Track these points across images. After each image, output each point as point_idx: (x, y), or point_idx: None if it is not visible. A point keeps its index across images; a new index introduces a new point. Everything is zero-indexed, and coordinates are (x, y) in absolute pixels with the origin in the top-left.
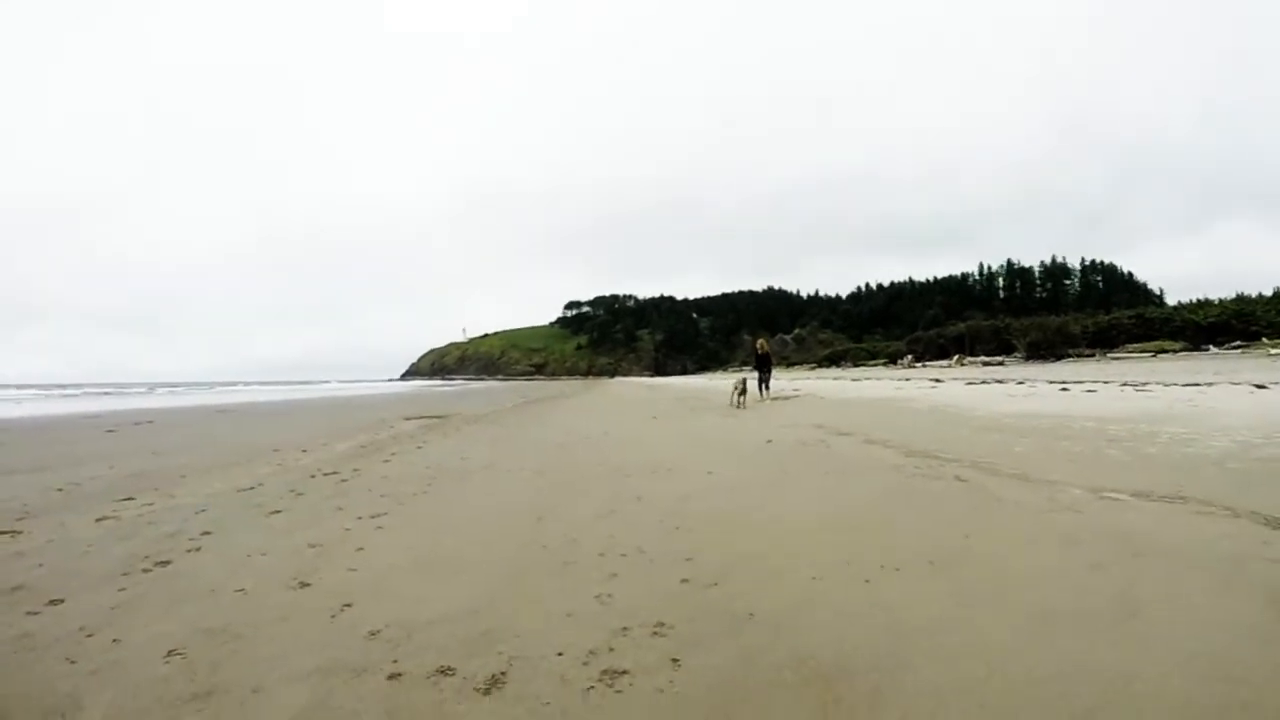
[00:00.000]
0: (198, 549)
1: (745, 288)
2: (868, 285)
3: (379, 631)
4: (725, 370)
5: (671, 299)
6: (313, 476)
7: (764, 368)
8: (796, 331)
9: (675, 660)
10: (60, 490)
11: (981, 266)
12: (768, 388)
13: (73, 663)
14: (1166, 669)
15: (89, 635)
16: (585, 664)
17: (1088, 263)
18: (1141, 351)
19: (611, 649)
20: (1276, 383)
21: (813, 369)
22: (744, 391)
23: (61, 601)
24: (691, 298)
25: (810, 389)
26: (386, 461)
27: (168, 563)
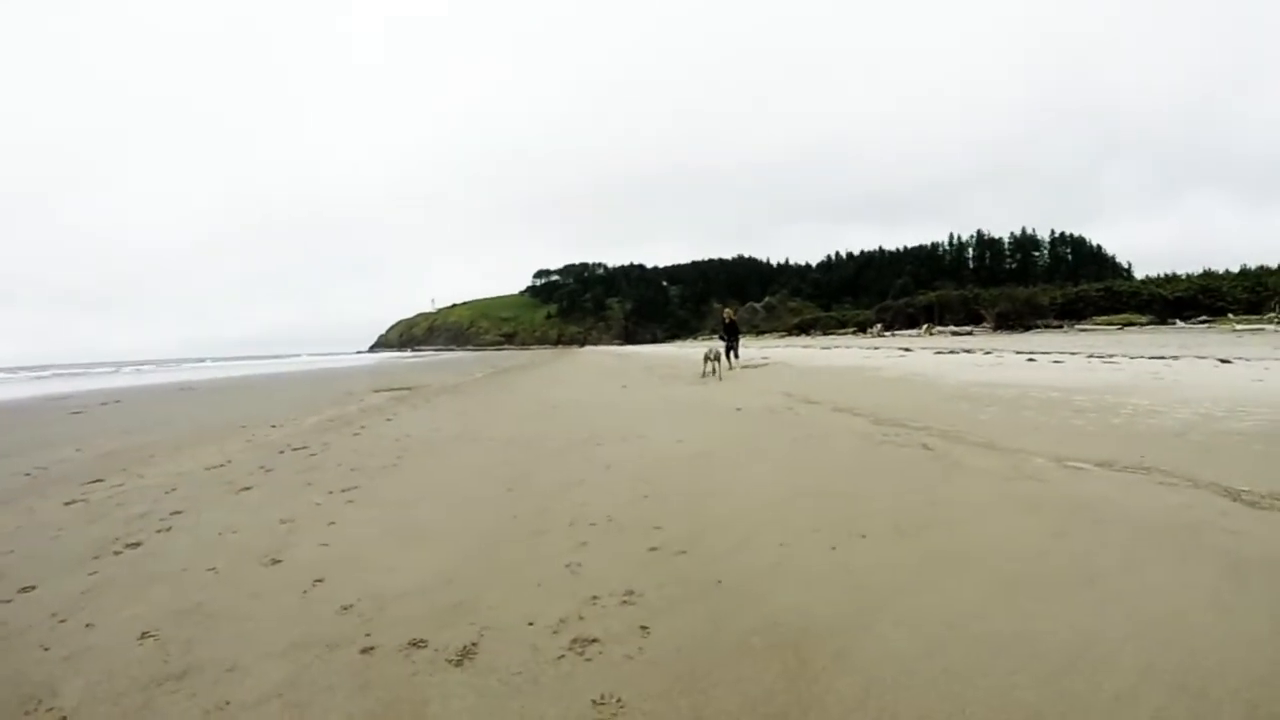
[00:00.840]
0: (168, 529)
1: (716, 256)
2: (838, 254)
3: (351, 606)
4: (695, 339)
5: (641, 267)
6: (281, 452)
7: (732, 336)
8: (767, 300)
9: (644, 628)
10: (28, 475)
11: (952, 236)
12: (736, 356)
13: (46, 649)
14: (1126, 634)
15: (61, 621)
16: (555, 633)
17: (1057, 235)
18: (1109, 324)
19: (581, 617)
20: (1241, 357)
21: (782, 337)
22: (716, 359)
23: (33, 588)
24: (662, 266)
25: (779, 357)
26: (356, 435)
27: (138, 544)
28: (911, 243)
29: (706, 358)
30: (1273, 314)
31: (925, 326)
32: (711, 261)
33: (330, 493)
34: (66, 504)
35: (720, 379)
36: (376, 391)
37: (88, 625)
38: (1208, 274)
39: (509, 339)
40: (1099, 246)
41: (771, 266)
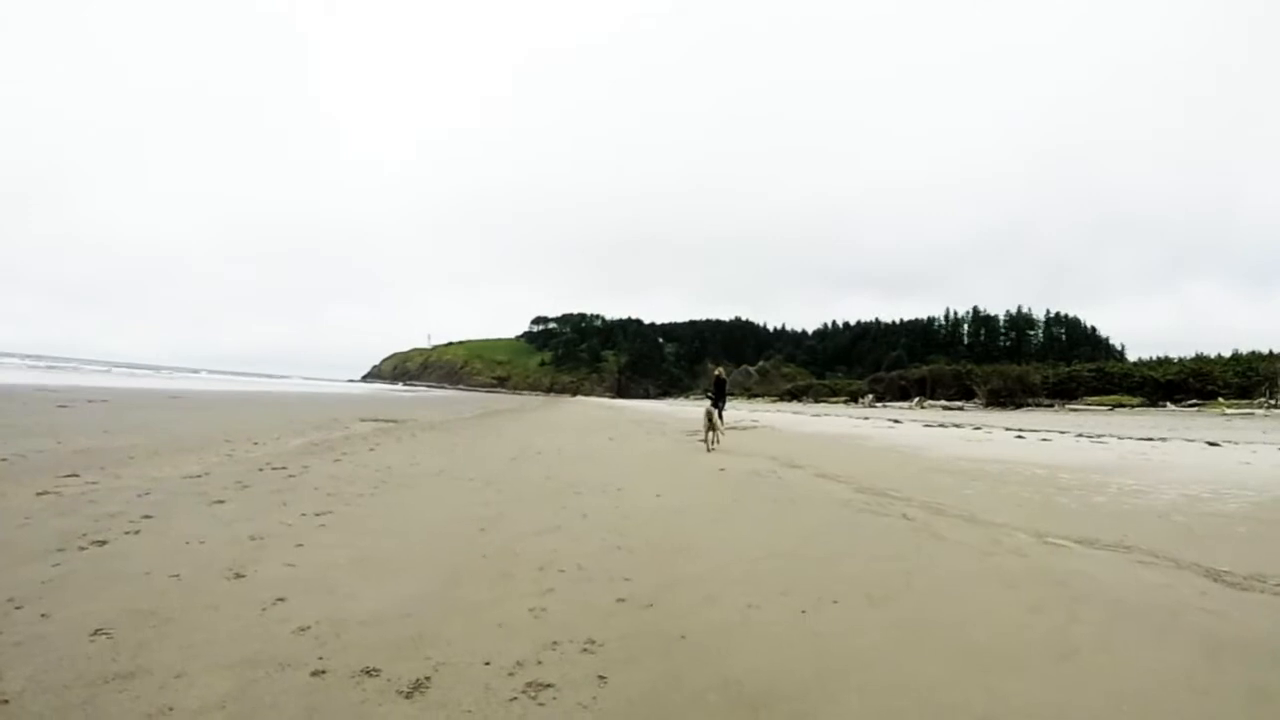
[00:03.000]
0: (136, 531)
1: (713, 316)
2: (834, 323)
3: (308, 628)
4: (687, 397)
5: (639, 322)
6: (260, 470)
7: (720, 396)
8: (760, 364)
9: (602, 677)
10: (4, 460)
11: (948, 312)
12: (721, 418)
13: None
14: (1099, 711)
15: (17, 608)
16: (511, 674)
17: (1052, 315)
18: (1099, 404)
19: (539, 662)
20: (1229, 441)
21: (774, 402)
22: (713, 427)
23: None
24: (659, 322)
25: (769, 421)
26: (337, 461)
27: (104, 542)
28: (908, 315)
29: (709, 417)
30: (1263, 398)
31: (917, 399)
32: (709, 321)
33: (303, 515)
34: (39, 494)
35: (717, 444)
36: (363, 421)
37: (43, 615)
38: (1199, 358)
39: (501, 382)
40: (1093, 328)
41: (768, 331)
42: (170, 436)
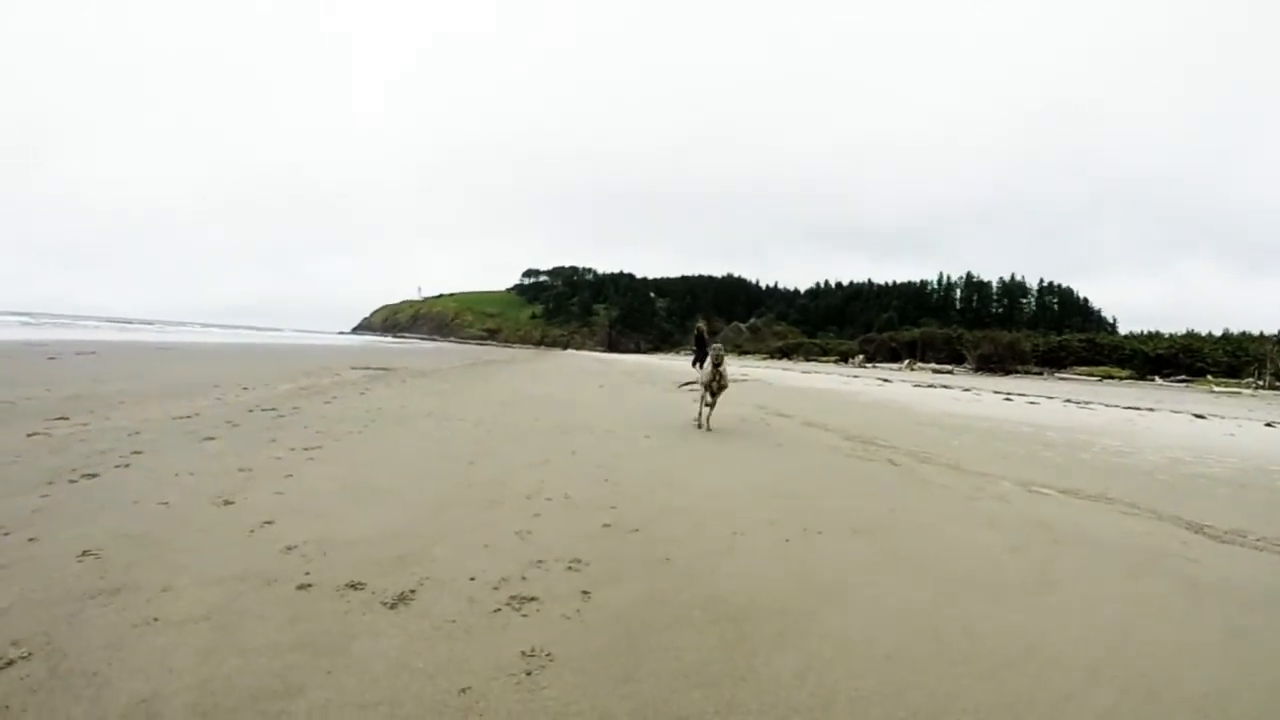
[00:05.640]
0: (126, 465)
1: (706, 271)
2: (827, 282)
3: (295, 547)
4: (678, 352)
5: (630, 276)
6: (250, 411)
7: (702, 348)
8: (752, 321)
9: (586, 592)
10: None
11: (941, 276)
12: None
13: None
14: (1076, 638)
15: (5, 534)
16: (495, 589)
17: (1045, 284)
18: (1089, 374)
19: (524, 578)
20: (1216, 415)
21: (764, 359)
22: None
23: None
24: (651, 276)
25: (759, 375)
26: (327, 404)
27: (95, 475)
28: (901, 278)
29: (710, 384)
30: (1251, 379)
31: (907, 361)
32: (701, 277)
33: (292, 449)
34: (29, 435)
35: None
36: (354, 369)
37: (31, 539)
38: (1190, 335)
39: (492, 334)
40: (1085, 300)
41: (760, 288)
42: (159, 383)
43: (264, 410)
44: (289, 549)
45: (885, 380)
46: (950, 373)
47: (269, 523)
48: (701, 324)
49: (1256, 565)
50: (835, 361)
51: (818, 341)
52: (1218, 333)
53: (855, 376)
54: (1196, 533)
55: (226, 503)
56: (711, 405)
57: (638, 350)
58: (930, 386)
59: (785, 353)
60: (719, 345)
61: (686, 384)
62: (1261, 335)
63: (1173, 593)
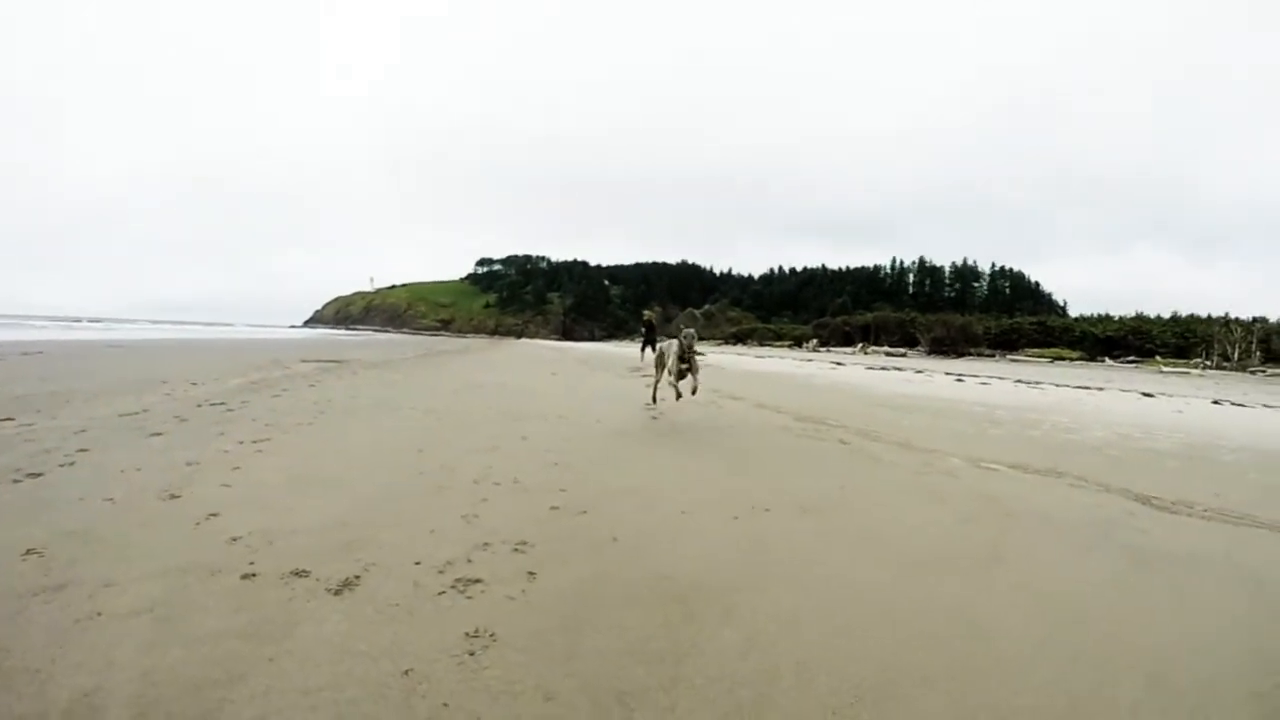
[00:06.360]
0: (71, 463)
1: (660, 259)
2: (782, 268)
3: (241, 538)
4: (633, 339)
5: (585, 264)
6: (199, 406)
7: (651, 334)
8: (706, 307)
9: (531, 573)
10: None
11: (894, 261)
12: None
13: None
14: (1025, 609)
15: None
16: (441, 572)
17: (997, 268)
18: (1040, 356)
19: (470, 560)
20: (1164, 394)
21: (719, 345)
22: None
23: None
24: (606, 264)
25: (714, 361)
26: (276, 397)
27: (39, 474)
28: (854, 263)
29: (666, 363)
30: (1199, 359)
31: (861, 345)
32: (655, 264)
33: (241, 442)
34: None
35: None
36: (304, 362)
37: None
38: (1140, 317)
39: (446, 325)
40: (1037, 283)
41: (714, 275)
42: (107, 381)
43: (213, 405)
44: (234, 540)
45: (839, 364)
46: (904, 355)
47: (214, 515)
48: (649, 313)
49: (1203, 534)
50: (790, 346)
51: (772, 327)
52: (1166, 315)
53: (809, 360)
54: (1144, 504)
55: (173, 497)
56: (676, 384)
57: (592, 338)
58: (883, 369)
59: (740, 338)
60: (691, 330)
61: (640, 369)
62: (1209, 317)
63: (1121, 562)
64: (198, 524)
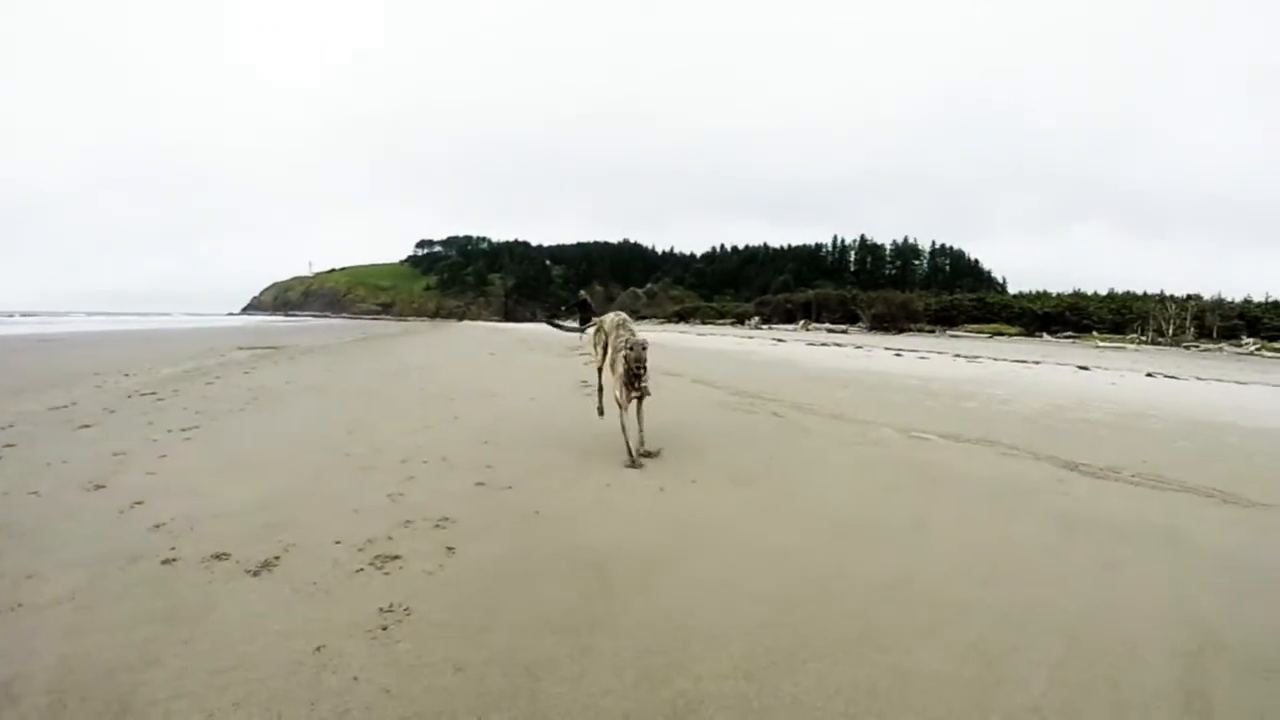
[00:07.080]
0: None
1: (603, 239)
2: (724, 246)
3: (163, 524)
4: (570, 317)
5: (526, 244)
6: (129, 397)
7: (586, 313)
8: (649, 286)
9: (450, 549)
10: None
11: (835, 239)
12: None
13: None
14: (949, 572)
15: None
16: (360, 550)
17: (937, 246)
18: (979, 332)
19: (390, 538)
20: (1100, 367)
21: (662, 324)
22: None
23: None
24: (546, 244)
25: (655, 339)
26: (209, 385)
27: None
28: (796, 241)
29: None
30: (1135, 334)
31: (802, 322)
32: (597, 244)
33: (169, 431)
34: None
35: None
36: (240, 349)
37: None
38: (1077, 294)
39: (386, 308)
40: (976, 261)
41: (656, 254)
42: (38, 375)
43: (143, 395)
44: (157, 527)
45: (780, 340)
46: (845, 332)
47: (139, 503)
48: (584, 292)
49: (1129, 499)
50: (732, 324)
51: (714, 305)
52: (1104, 292)
53: (750, 337)
54: (1072, 470)
55: (98, 487)
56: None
57: (534, 319)
58: (824, 345)
59: (682, 316)
60: (641, 340)
61: (577, 349)
62: (1145, 294)
63: (1046, 527)
64: (121, 512)
